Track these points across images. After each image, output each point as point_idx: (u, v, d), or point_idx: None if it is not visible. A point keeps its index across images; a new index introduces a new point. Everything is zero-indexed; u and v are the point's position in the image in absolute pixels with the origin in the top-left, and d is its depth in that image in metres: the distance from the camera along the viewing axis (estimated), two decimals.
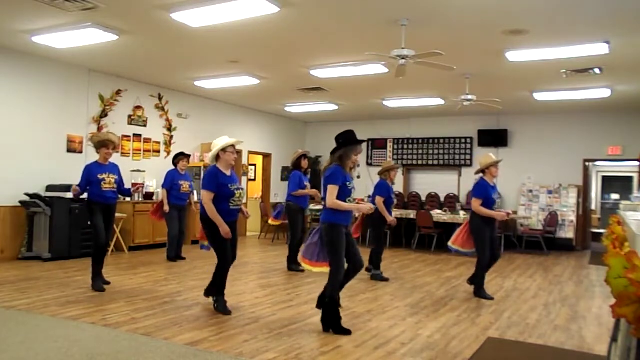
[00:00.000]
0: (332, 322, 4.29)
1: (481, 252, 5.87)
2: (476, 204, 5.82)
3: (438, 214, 10.29)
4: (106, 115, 9.11)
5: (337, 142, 4.35)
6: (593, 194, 15.38)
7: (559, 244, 10.91)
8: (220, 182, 4.70)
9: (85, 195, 5.90)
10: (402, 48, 5.95)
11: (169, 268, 7.36)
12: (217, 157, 4.81)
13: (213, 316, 4.71)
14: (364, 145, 14.16)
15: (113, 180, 5.83)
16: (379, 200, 6.76)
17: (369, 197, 7.37)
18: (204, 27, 6.15)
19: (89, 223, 5.94)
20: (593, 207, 15.17)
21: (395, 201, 7.19)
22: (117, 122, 9.30)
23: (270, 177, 13.25)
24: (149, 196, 9.36)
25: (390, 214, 6.87)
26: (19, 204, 7.71)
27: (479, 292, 5.94)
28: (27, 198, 7.69)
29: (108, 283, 5.93)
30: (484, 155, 6.20)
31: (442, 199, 12.36)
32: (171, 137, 10.45)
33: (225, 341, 3.96)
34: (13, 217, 7.72)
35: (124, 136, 9.42)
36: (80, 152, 8.65)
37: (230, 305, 4.96)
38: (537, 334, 4.48)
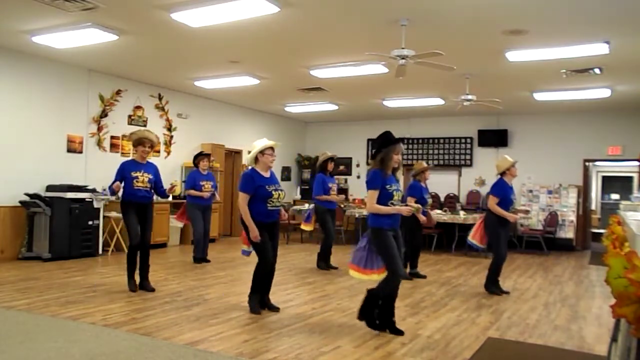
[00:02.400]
0: (387, 321, 4.29)
1: (496, 250, 6.01)
2: (492, 202, 5.92)
3: (438, 214, 10.28)
4: (106, 115, 9.11)
5: (375, 146, 4.31)
6: (593, 194, 15.38)
7: (559, 244, 10.91)
8: (257, 184, 4.71)
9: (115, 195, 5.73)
10: (402, 48, 5.95)
11: (169, 268, 7.36)
12: (255, 160, 4.84)
13: (213, 316, 4.71)
14: (365, 144, 14.09)
15: (147, 180, 5.61)
16: (411, 200, 6.75)
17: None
18: (204, 27, 6.16)
19: (123, 222, 5.74)
20: (593, 207, 15.17)
21: (430, 201, 7.25)
22: (117, 122, 9.30)
23: None
24: None
25: (424, 213, 6.95)
26: (19, 204, 7.71)
27: (492, 287, 6.03)
28: (27, 198, 7.69)
29: (152, 290, 5.68)
30: (501, 159, 6.25)
31: (442, 199, 12.36)
32: (171, 137, 10.44)
33: (225, 341, 3.96)
34: (13, 217, 7.72)
35: (124, 136, 9.42)
36: (80, 152, 8.65)
37: (230, 305, 4.96)
38: (537, 334, 4.48)
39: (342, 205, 8.15)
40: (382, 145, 4.28)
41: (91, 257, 8.00)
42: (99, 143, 9.00)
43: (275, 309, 4.98)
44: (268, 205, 4.74)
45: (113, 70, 8.96)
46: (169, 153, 10.29)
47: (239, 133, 12.24)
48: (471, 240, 6.23)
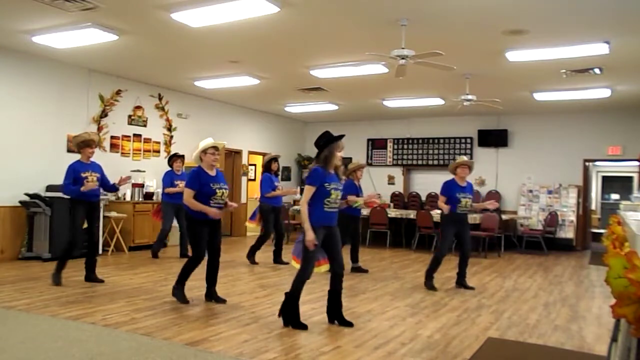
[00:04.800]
0: (291, 317, 4.39)
1: (440, 246, 6.32)
2: (440, 201, 6.29)
3: (438, 214, 10.25)
4: (106, 115, 9.11)
5: (318, 147, 4.44)
6: (593, 194, 15.38)
7: (559, 244, 10.91)
8: (202, 182, 4.97)
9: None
10: (402, 48, 5.95)
11: (169, 268, 7.36)
12: (201, 159, 5.09)
13: (213, 316, 4.71)
14: (365, 144, 14.13)
15: (96, 179, 5.95)
16: (351, 198, 7.09)
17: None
18: (204, 27, 6.16)
19: (71, 220, 6.04)
20: (593, 207, 15.17)
21: (361, 201, 7.66)
22: (117, 122, 9.30)
23: None
24: (149, 196, 9.35)
25: (358, 212, 7.43)
26: (19, 204, 7.71)
27: (427, 282, 6.32)
28: (27, 198, 7.69)
29: (102, 281, 6.08)
30: (458, 158, 6.59)
31: None
32: (171, 137, 10.44)
33: (225, 341, 3.96)
34: (13, 217, 7.72)
35: (124, 136, 9.43)
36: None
37: (230, 305, 4.96)
38: (537, 334, 4.48)
39: (289, 193, 8.64)
40: (325, 143, 4.37)
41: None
42: (99, 143, 8.99)
43: (222, 301, 5.20)
44: (211, 202, 4.99)
45: (113, 70, 8.95)
46: (169, 153, 10.27)
47: (239, 133, 12.24)
48: None
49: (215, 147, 5.07)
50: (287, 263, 7.72)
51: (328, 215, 4.35)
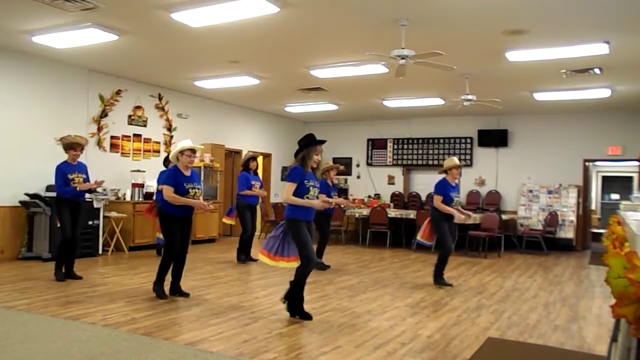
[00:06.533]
0: (296, 307, 4.60)
1: (443, 243, 6.41)
2: (437, 201, 6.40)
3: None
4: (106, 115, 9.11)
5: (299, 145, 4.69)
6: (593, 194, 15.38)
7: (559, 244, 10.91)
8: (176, 180, 5.19)
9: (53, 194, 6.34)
10: (402, 48, 5.95)
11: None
12: (177, 158, 5.32)
13: (213, 316, 4.71)
14: (365, 144, 14.15)
15: (82, 180, 6.18)
16: (321, 198, 7.22)
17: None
18: (204, 27, 6.16)
19: (57, 220, 6.25)
20: (593, 207, 15.17)
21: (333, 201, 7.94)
22: (117, 122, 9.30)
23: (271, 177, 13.25)
24: (149, 196, 9.34)
25: (331, 210, 7.70)
26: (19, 204, 7.71)
27: (438, 280, 6.49)
28: (27, 198, 7.69)
29: (80, 278, 6.23)
30: (448, 159, 6.82)
31: None
32: (171, 137, 10.44)
33: (225, 341, 3.96)
34: (13, 217, 7.72)
35: (124, 136, 9.42)
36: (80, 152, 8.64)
37: (230, 305, 4.95)
38: (537, 334, 4.48)
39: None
40: (305, 145, 4.65)
41: (91, 257, 8.00)
42: (99, 143, 9.00)
43: (185, 295, 5.41)
44: None
45: (113, 70, 8.95)
46: (168, 153, 10.27)
47: (239, 133, 12.24)
48: (420, 240, 6.75)
49: (192, 150, 5.29)
50: (255, 260, 7.83)
51: (308, 210, 4.61)
